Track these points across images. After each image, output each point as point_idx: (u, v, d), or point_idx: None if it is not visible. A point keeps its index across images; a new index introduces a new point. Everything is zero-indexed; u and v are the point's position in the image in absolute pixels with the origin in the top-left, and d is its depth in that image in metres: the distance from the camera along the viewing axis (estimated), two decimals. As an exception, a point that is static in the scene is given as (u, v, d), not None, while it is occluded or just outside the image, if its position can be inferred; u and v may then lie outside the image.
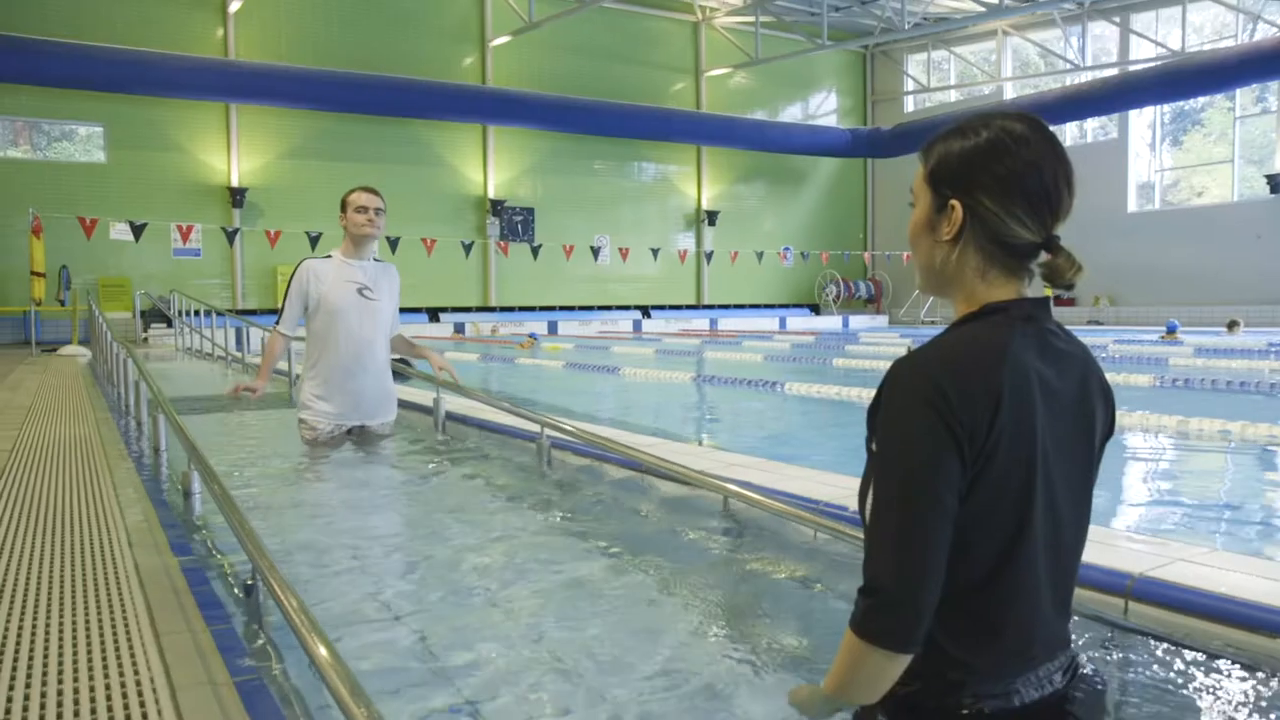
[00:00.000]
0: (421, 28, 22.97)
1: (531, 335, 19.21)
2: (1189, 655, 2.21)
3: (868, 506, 1.36)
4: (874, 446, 1.36)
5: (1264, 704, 2.04)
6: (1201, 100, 23.45)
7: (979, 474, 1.29)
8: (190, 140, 20.69)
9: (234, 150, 21.05)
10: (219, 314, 14.83)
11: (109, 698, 1.90)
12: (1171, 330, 15.38)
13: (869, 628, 1.29)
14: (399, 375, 5.82)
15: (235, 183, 21.01)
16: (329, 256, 5.20)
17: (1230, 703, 2.05)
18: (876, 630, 1.28)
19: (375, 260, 5.29)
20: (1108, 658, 2.27)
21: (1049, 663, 1.40)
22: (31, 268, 15.56)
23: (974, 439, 1.28)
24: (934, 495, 1.27)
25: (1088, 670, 1.49)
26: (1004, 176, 1.36)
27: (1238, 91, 22.31)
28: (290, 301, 5.16)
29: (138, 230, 16.77)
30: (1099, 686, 1.50)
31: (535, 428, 4.93)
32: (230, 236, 19.30)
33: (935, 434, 1.27)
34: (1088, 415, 1.42)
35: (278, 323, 5.25)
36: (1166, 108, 24.02)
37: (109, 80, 18.50)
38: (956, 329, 1.40)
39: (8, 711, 1.84)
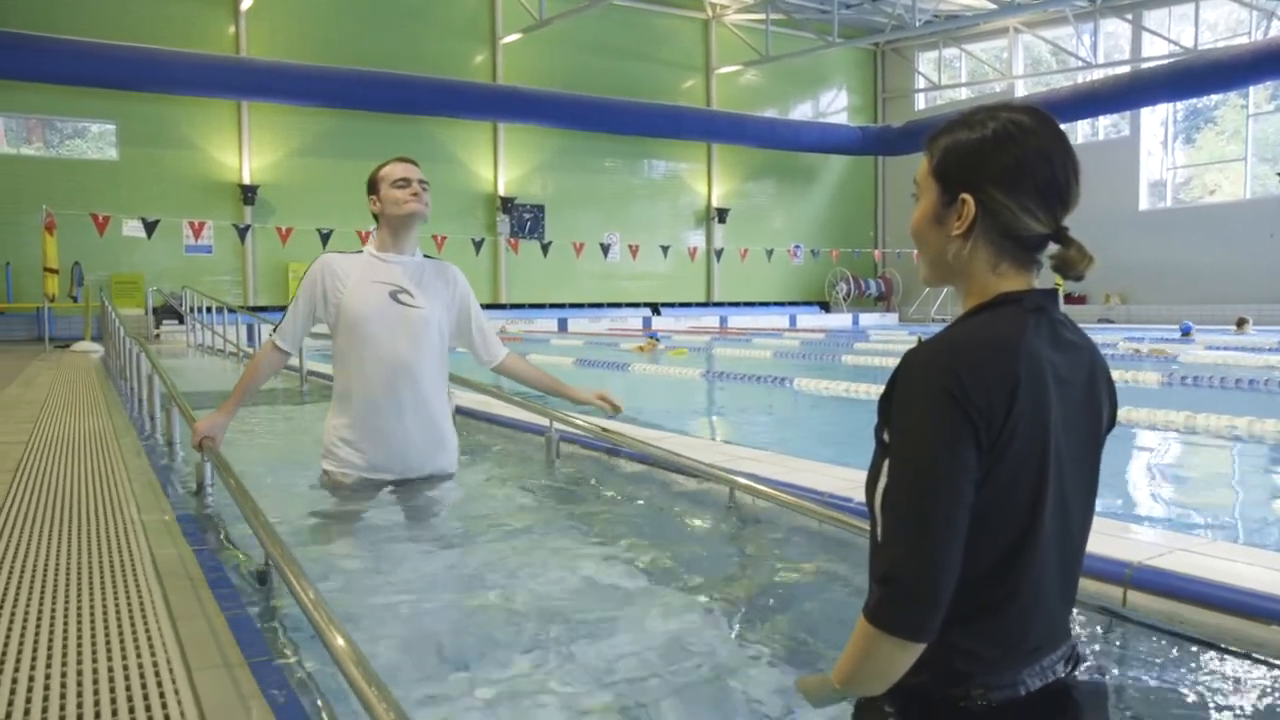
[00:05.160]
0: (432, 25, 23.04)
1: (653, 336, 15.36)
2: (1187, 643, 2.24)
3: (878, 495, 1.36)
4: (887, 435, 1.36)
5: (1261, 691, 2.07)
6: (1214, 98, 23.36)
7: (994, 463, 1.29)
8: (202, 137, 20.80)
9: (245, 147, 21.16)
10: (231, 310, 14.93)
11: (127, 677, 1.95)
12: (1186, 332, 15.46)
13: (884, 616, 1.29)
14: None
15: (247, 180, 21.13)
16: (358, 252, 3.87)
17: (1227, 690, 2.08)
18: (892, 619, 1.28)
19: (423, 256, 3.93)
20: (1106, 646, 2.30)
21: (1052, 653, 1.42)
22: (45, 264, 15.68)
23: (990, 427, 1.28)
24: (951, 484, 1.27)
25: (1087, 660, 1.51)
26: (1013, 168, 1.36)
27: (1251, 89, 22.22)
28: (296, 305, 3.81)
29: (150, 227, 16.89)
30: (1098, 676, 1.51)
31: (544, 421, 4.96)
32: (242, 233, 19.43)
33: (953, 422, 1.27)
34: (1095, 406, 1.44)
35: (275, 330, 3.86)
36: (1179, 105, 23.94)
37: (121, 78, 18.62)
38: (969, 319, 1.40)
39: (29, 690, 1.89)
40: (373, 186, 3.78)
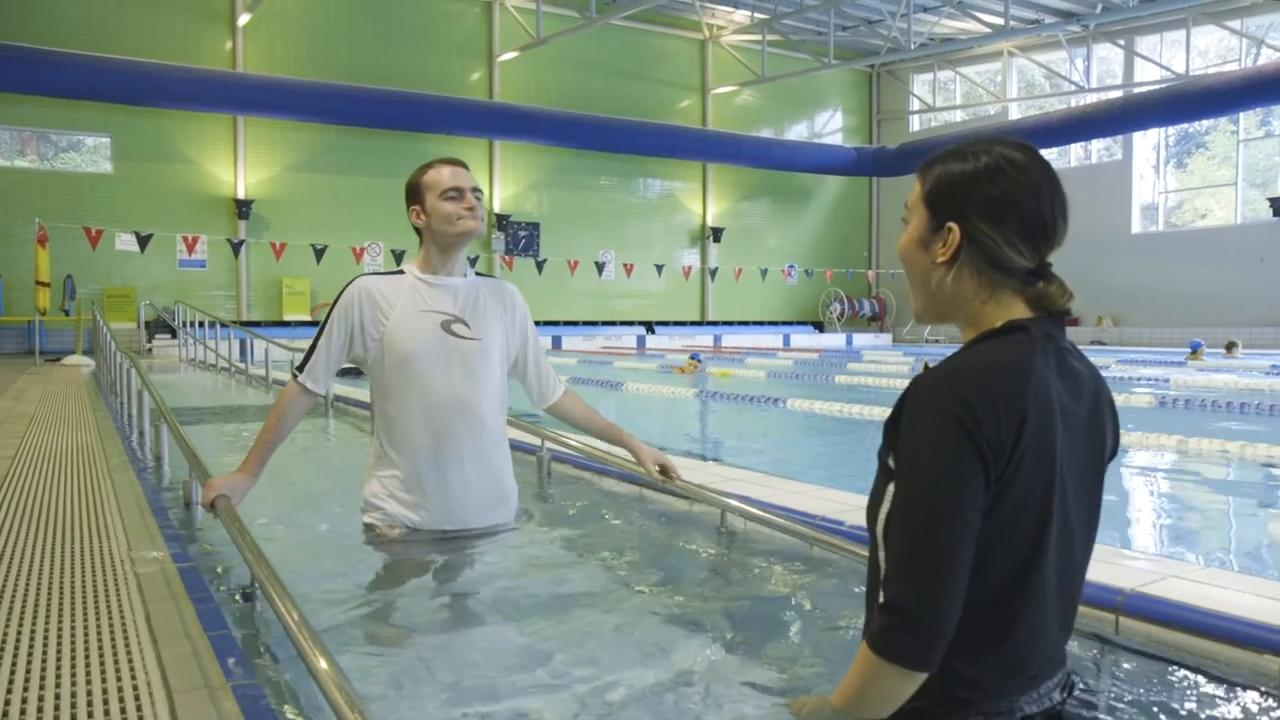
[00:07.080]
0: (429, 43, 23.12)
1: (694, 357, 14.71)
2: (1179, 671, 2.22)
3: (880, 520, 1.36)
4: (893, 461, 1.36)
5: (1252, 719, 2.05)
6: (1205, 123, 23.52)
7: (1001, 492, 1.29)
8: (197, 152, 20.80)
9: (241, 162, 21.16)
10: (224, 325, 14.89)
11: (105, 701, 1.91)
12: (1195, 350, 15.44)
13: (888, 646, 1.28)
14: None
15: (242, 195, 21.11)
16: (399, 273, 3.27)
17: (1219, 718, 2.06)
18: (896, 649, 1.28)
19: (476, 275, 3.35)
20: (1099, 672, 2.28)
21: (1049, 680, 1.42)
22: (36, 277, 15.63)
23: (999, 457, 1.27)
24: (959, 513, 1.26)
25: (1079, 686, 1.51)
26: (1000, 201, 1.37)
27: (1241, 115, 22.38)
28: (329, 338, 3.18)
29: (143, 241, 16.84)
30: (1092, 703, 1.51)
31: (536, 440, 4.94)
32: (236, 248, 19.40)
33: (962, 451, 1.26)
34: (1099, 435, 1.44)
35: (301, 367, 3.21)
36: (1170, 130, 24.09)
37: (117, 91, 18.62)
38: (978, 346, 1.39)
39: (4, 714, 1.86)
40: (415, 194, 3.19)
